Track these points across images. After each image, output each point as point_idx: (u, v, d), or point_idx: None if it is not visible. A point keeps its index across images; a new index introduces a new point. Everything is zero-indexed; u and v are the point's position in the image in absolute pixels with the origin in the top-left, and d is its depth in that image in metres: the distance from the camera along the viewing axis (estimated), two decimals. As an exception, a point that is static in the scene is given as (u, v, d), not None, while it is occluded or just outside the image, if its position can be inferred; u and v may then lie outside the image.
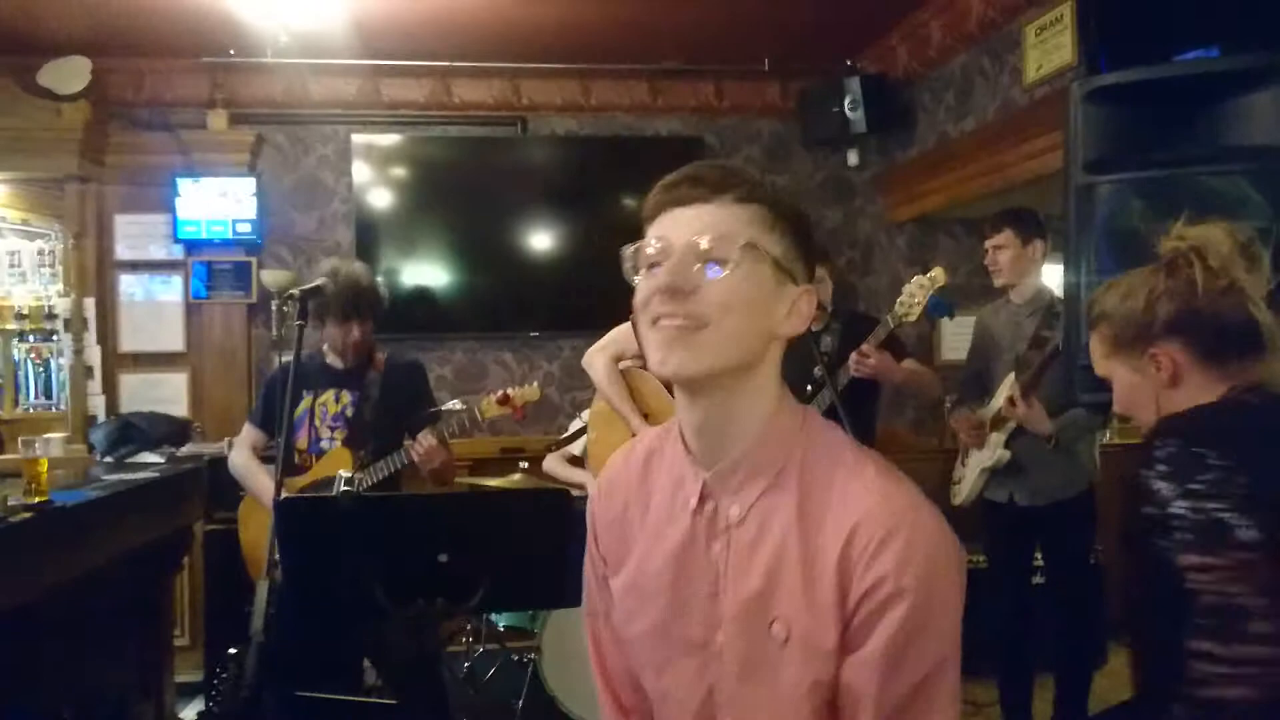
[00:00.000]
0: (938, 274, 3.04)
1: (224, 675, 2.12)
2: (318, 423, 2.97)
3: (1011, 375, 3.25)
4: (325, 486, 2.71)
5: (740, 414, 1.08)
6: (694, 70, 5.15)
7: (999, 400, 3.27)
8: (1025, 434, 3.21)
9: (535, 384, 3.05)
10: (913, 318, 3.08)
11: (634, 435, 2.89)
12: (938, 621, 1.02)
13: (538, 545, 2.02)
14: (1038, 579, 3.57)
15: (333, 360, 3.03)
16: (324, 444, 2.97)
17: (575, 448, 4.08)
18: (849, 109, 4.82)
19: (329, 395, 2.99)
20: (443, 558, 1.92)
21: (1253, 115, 1.85)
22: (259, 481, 3.00)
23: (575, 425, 4.28)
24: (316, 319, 2.83)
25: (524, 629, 3.98)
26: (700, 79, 5.22)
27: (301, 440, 2.97)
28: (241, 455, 3.10)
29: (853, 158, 5.31)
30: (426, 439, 2.79)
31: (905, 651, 1.01)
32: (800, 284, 1.10)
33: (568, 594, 2.17)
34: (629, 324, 3.00)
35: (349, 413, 2.95)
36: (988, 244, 3.41)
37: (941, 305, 3.13)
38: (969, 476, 3.42)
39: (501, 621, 4.05)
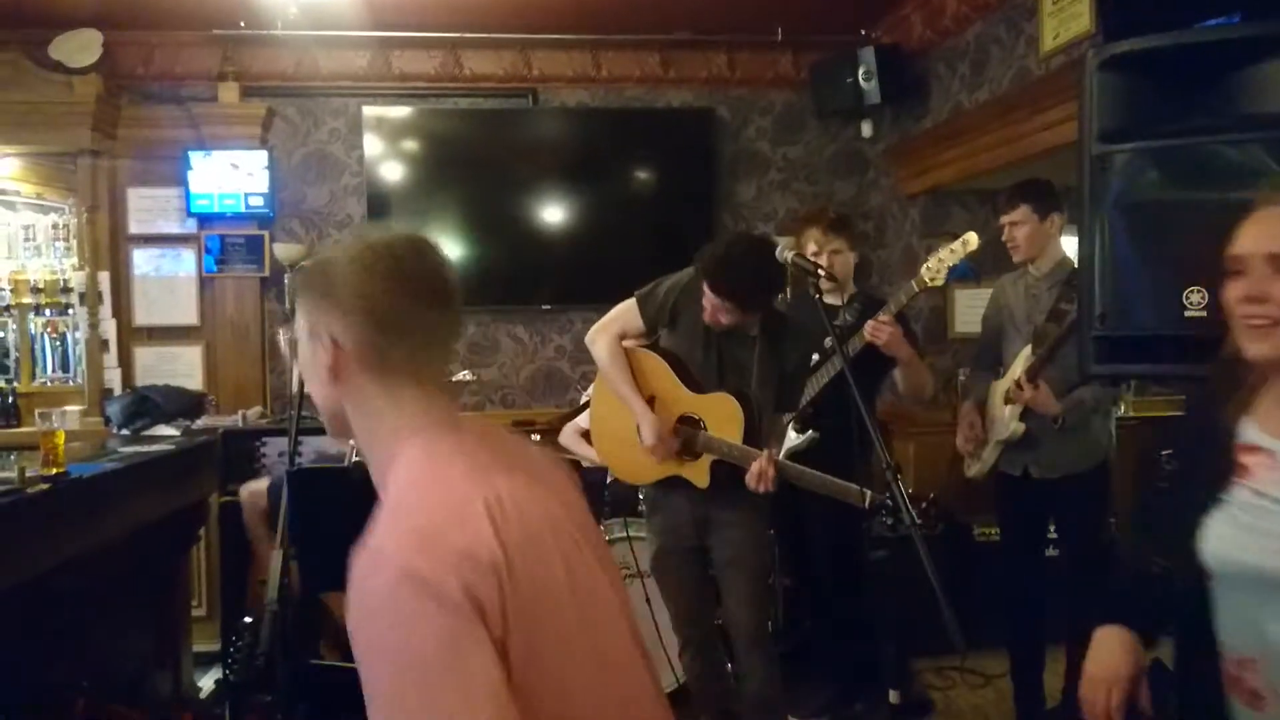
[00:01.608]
0: (971, 238, 3.00)
1: (239, 644, 2.14)
2: None
3: (1027, 348, 3.23)
4: None
5: None
6: (705, 41, 5.10)
7: (1014, 373, 3.25)
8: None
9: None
10: (939, 282, 3.05)
11: (636, 418, 2.89)
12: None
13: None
14: (1051, 552, 3.57)
15: None
16: None
17: (585, 420, 4.10)
18: (863, 80, 4.77)
19: None
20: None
21: (1272, 83, 1.82)
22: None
23: (586, 397, 4.29)
24: None
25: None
26: (712, 50, 5.18)
27: None
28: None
29: (866, 129, 5.26)
30: None
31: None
32: None
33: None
34: (633, 300, 3.00)
35: None
36: (1003, 220, 3.35)
37: (965, 268, 3.11)
38: (983, 450, 3.42)
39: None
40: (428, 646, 1.02)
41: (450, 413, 1.25)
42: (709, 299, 2.74)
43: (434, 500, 1.12)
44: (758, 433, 2.78)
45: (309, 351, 1.25)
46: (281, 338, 2.68)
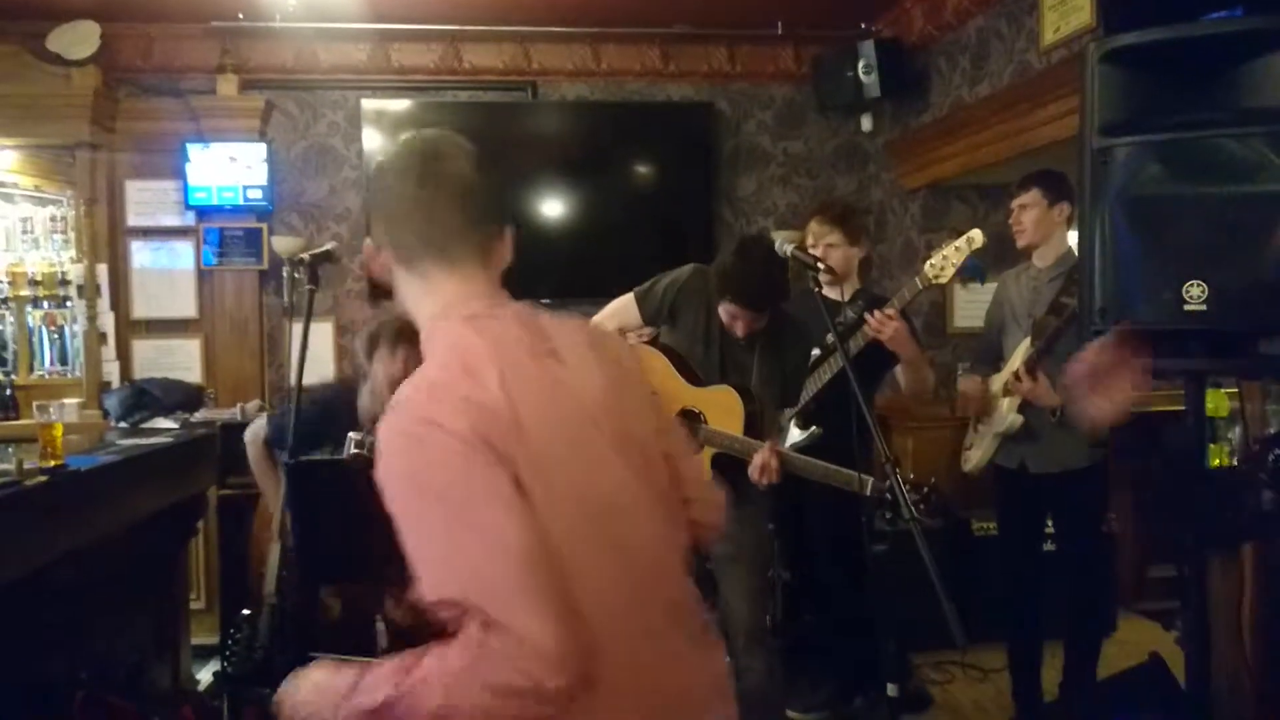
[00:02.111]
0: (975, 235, 2.97)
1: (238, 636, 2.14)
2: None
3: (1026, 340, 3.23)
4: None
5: None
6: (706, 35, 5.09)
7: (1013, 365, 3.25)
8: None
9: None
10: (944, 280, 3.01)
11: None
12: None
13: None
14: (1048, 546, 3.57)
15: None
16: None
17: None
18: (863, 74, 4.76)
19: None
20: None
21: (1274, 77, 1.81)
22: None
23: None
24: None
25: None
26: (712, 44, 5.17)
27: None
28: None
29: (866, 123, 5.25)
30: None
31: None
32: None
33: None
34: (629, 296, 2.98)
35: None
36: (1014, 203, 3.34)
37: (975, 268, 3.08)
38: (981, 443, 3.41)
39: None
40: (444, 466, 1.13)
41: (488, 297, 1.32)
42: (729, 310, 2.74)
43: (450, 360, 1.23)
44: (759, 425, 2.77)
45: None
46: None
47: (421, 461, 1.14)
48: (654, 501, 1.32)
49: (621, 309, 2.97)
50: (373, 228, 1.34)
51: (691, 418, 2.85)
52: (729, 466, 2.77)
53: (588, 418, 1.26)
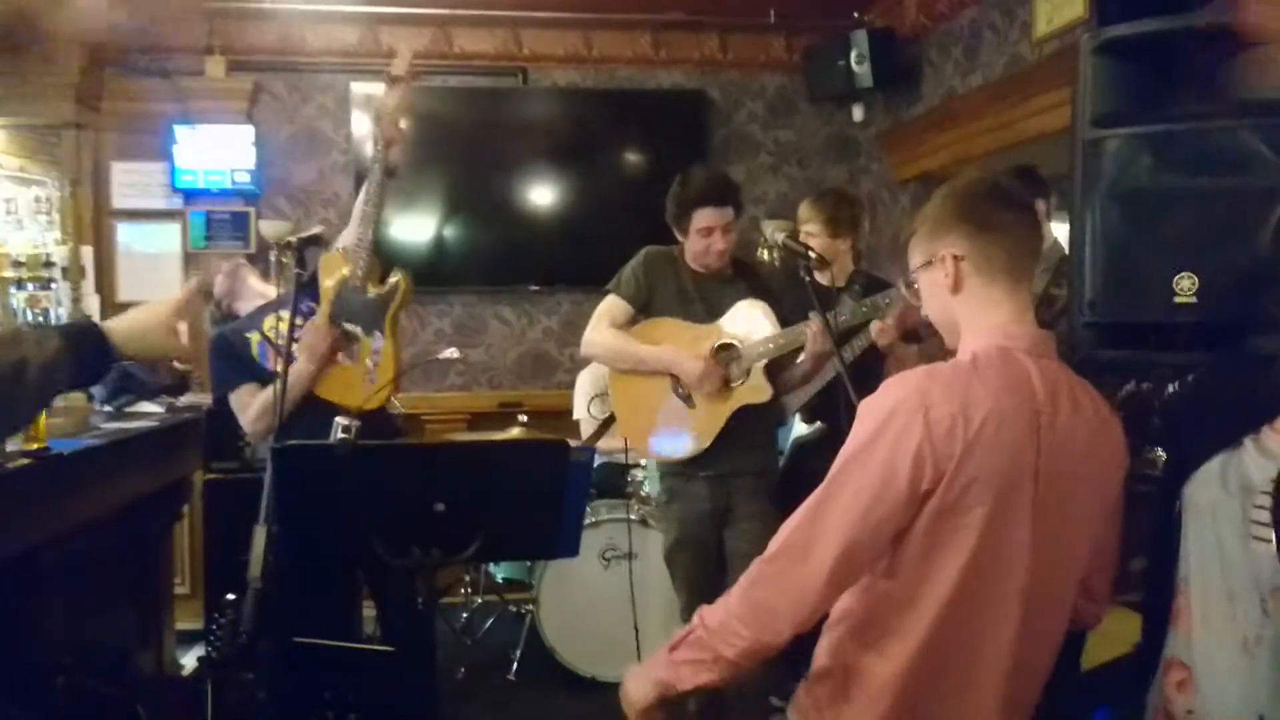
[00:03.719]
0: None
1: (222, 621, 2.13)
2: None
3: None
4: None
5: None
6: (697, 22, 5.07)
7: None
8: None
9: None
10: None
11: (668, 367, 2.82)
12: None
13: (535, 496, 2.02)
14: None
15: None
16: None
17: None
18: (855, 64, 4.75)
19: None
20: (439, 507, 1.92)
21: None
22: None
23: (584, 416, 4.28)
24: None
25: (521, 581, 4.01)
26: (704, 31, 5.15)
27: None
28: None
29: (858, 113, 5.24)
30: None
31: None
32: None
33: (562, 545, 2.18)
34: (608, 297, 2.95)
35: None
36: None
37: None
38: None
39: (499, 573, 4.08)
40: (872, 441, 1.38)
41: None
42: (707, 223, 2.81)
43: (955, 378, 1.41)
44: (786, 319, 2.83)
45: None
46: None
47: (867, 429, 1.45)
48: (1030, 559, 1.47)
49: (609, 309, 2.95)
50: None
51: (726, 348, 2.85)
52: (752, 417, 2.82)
53: (1025, 474, 1.42)
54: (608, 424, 3.98)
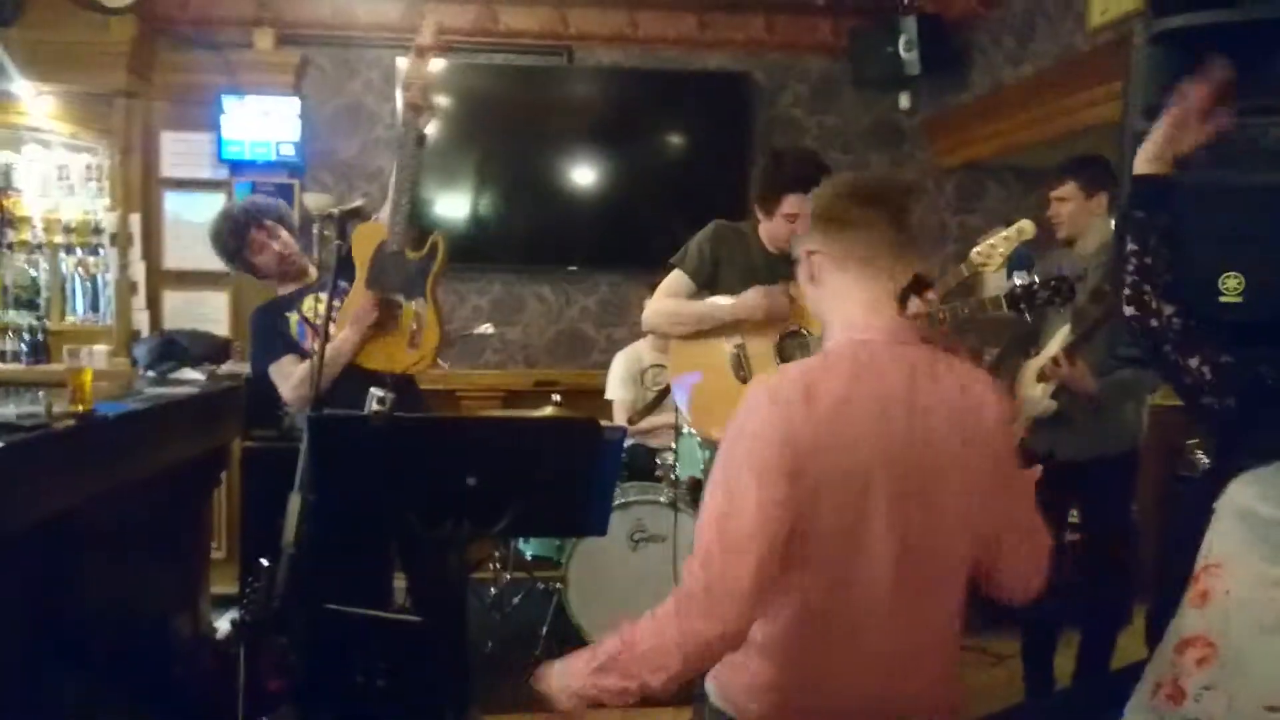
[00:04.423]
0: (1026, 226, 2.88)
1: (256, 586, 2.17)
2: None
3: (1066, 327, 3.18)
4: None
5: None
6: (743, 4, 5.03)
7: (1050, 351, 3.21)
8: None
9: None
10: (991, 269, 2.94)
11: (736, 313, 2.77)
12: None
13: (566, 473, 2.03)
14: (1070, 536, 3.54)
15: None
16: None
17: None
18: (903, 49, 4.69)
19: None
20: (471, 481, 1.94)
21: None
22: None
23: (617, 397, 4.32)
24: None
25: (550, 559, 4.04)
26: (750, 13, 5.10)
27: None
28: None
29: (904, 100, 5.18)
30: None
31: None
32: None
33: (591, 523, 2.20)
34: (674, 271, 2.91)
35: None
36: (1051, 194, 3.30)
37: (1025, 258, 3.00)
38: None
39: (529, 550, 4.11)
40: (751, 429, 1.42)
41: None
42: (797, 209, 2.64)
43: (805, 371, 1.49)
44: None
45: None
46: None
47: (742, 418, 1.48)
48: (896, 534, 1.50)
49: (673, 284, 2.91)
50: None
51: (794, 335, 2.81)
52: None
53: (878, 458, 1.46)
54: (662, 396, 3.99)
